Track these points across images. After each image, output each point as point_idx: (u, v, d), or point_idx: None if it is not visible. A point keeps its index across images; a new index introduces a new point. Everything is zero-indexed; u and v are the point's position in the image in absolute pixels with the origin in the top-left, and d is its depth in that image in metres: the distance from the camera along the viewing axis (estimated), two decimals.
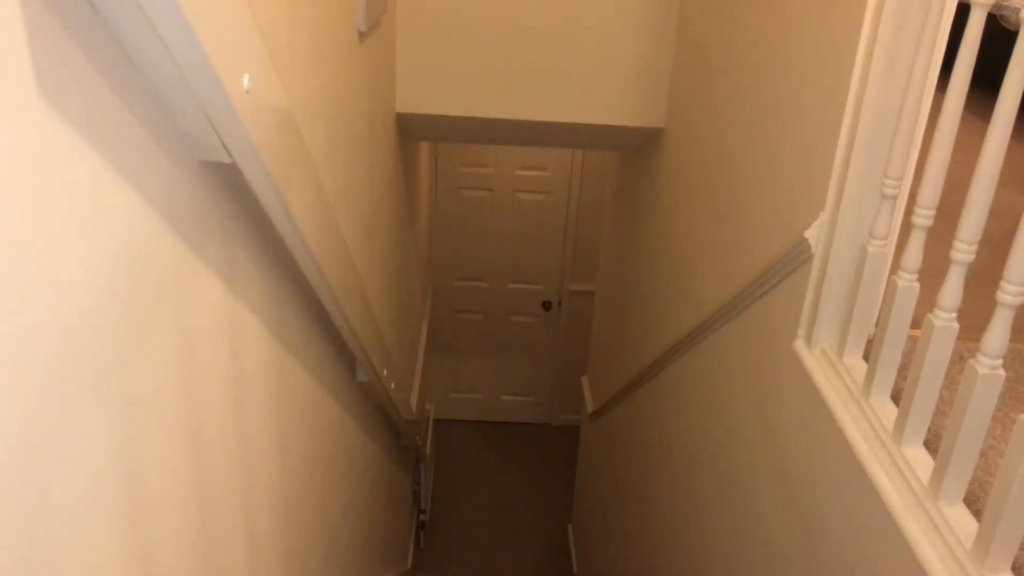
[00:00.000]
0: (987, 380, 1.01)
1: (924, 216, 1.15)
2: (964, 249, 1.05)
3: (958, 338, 1.12)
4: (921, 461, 1.16)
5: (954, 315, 1.10)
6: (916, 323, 1.19)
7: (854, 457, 1.23)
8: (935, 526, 1.06)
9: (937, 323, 1.10)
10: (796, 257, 1.47)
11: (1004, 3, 2.07)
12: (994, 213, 1.06)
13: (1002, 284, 0.97)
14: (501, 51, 2.51)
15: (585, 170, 4.82)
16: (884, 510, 1.14)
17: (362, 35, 1.73)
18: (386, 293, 2.45)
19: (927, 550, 1.05)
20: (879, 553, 1.17)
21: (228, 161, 0.76)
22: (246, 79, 0.69)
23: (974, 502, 1.09)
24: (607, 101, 2.59)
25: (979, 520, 1.01)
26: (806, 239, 1.41)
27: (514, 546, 4.60)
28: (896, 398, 1.27)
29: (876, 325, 1.33)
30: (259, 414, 1.07)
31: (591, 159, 4.76)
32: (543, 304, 5.26)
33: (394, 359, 2.42)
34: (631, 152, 3.15)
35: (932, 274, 1.22)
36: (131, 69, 0.63)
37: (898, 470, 1.16)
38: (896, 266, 1.23)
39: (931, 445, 1.19)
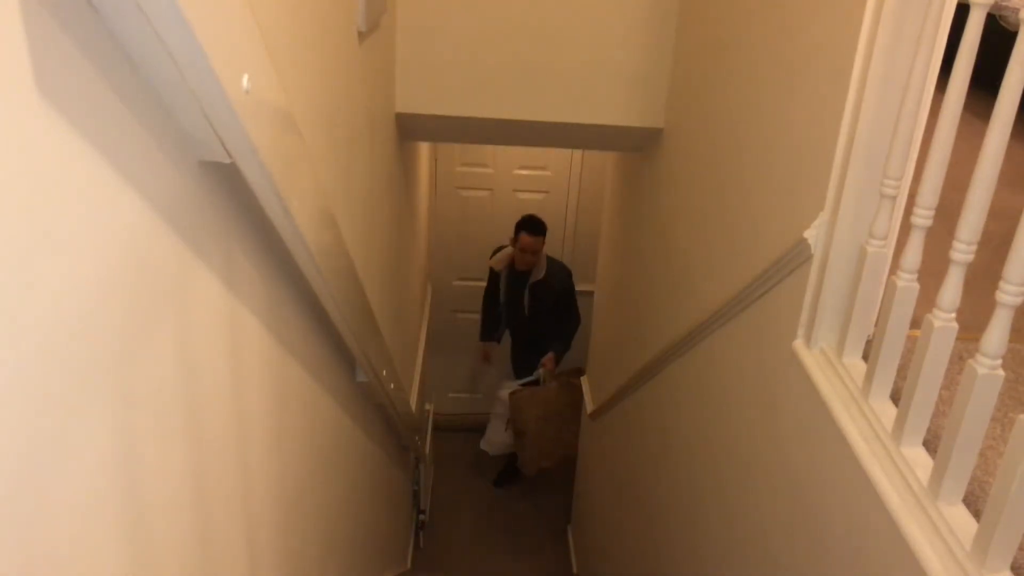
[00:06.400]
0: (986, 380, 1.01)
1: (923, 216, 1.15)
2: (964, 249, 1.05)
3: (958, 338, 1.12)
4: (920, 461, 1.16)
5: (953, 315, 1.10)
6: (916, 323, 1.19)
7: (854, 457, 1.23)
8: (934, 526, 1.06)
9: (936, 323, 1.10)
10: (795, 257, 1.47)
11: (1004, 3, 2.07)
12: (994, 213, 1.06)
13: (1002, 284, 0.97)
14: (501, 51, 2.51)
15: (585, 170, 4.81)
16: (884, 510, 1.14)
17: (362, 35, 1.73)
18: (386, 293, 2.45)
19: (926, 550, 1.05)
20: (879, 553, 1.17)
21: (228, 161, 0.76)
22: (246, 79, 0.69)
23: (973, 502, 1.09)
24: (607, 101, 2.59)
25: (978, 520, 1.01)
26: (805, 239, 1.41)
27: (514, 546, 4.60)
28: (896, 398, 1.27)
29: (875, 325, 1.33)
30: (259, 414, 1.07)
31: (591, 159, 4.75)
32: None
33: (394, 359, 2.42)
34: (631, 152, 3.15)
35: (932, 274, 1.22)
36: (131, 69, 0.63)
37: (897, 470, 1.16)
38: (896, 266, 1.23)
39: (930, 445, 1.19)
